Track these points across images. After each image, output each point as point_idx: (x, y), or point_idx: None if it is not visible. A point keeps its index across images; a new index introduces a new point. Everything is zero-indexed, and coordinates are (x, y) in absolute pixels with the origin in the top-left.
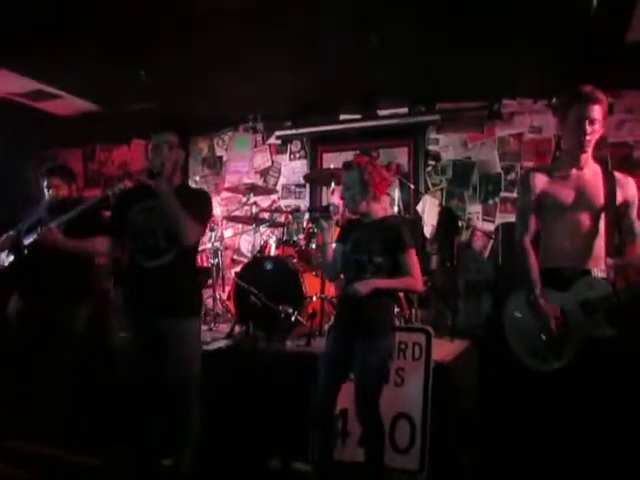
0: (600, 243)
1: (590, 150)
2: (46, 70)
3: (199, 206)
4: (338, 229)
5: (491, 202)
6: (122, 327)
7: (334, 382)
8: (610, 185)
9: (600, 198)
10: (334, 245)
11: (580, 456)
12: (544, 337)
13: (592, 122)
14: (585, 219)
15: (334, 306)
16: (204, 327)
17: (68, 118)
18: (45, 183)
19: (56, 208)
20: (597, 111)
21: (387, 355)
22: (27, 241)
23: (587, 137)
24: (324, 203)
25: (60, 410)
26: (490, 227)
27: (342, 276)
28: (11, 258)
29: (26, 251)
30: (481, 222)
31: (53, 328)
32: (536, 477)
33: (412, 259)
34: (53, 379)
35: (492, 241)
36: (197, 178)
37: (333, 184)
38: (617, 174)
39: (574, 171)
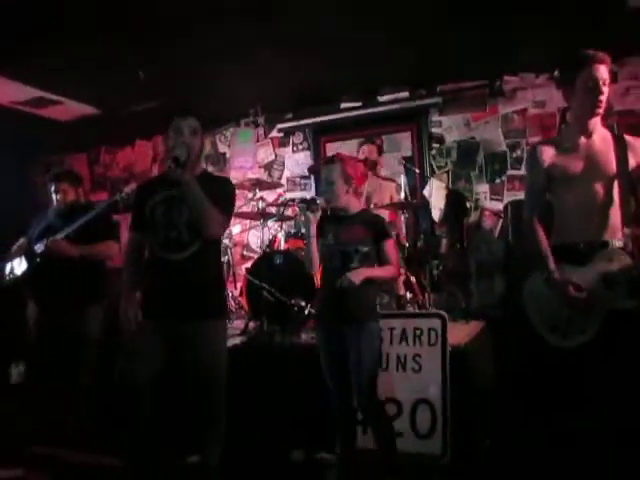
0: (616, 212)
1: (601, 113)
2: (45, 77)
3: (224, 195)
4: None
5: (498, 181)
6: (136, 327)
7: (344, 373)
8: (621, 150)
9: (612, 165)
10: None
11: (606, 434)
12: (565, 312)
13: (604, 82)
14: (598, 189)
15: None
16: None
17: (70, 123)
18: (53, 188)
19: (64, 213)
20: (605, 71)
21: (378, 341)
22: (38, 248)
23: (600, 97)
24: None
25: (82, 413)
26: (499, 206)
27: (321, 268)
28: (24, 266)
29: (38, 259)
30: (489, 202)
31: (70, 332)
32: (562, 458)
33: (392, 248)
34: (73, 382)
35: (501, 220)
36: None
37: None
38: (628, 138)
39: (582, 140)
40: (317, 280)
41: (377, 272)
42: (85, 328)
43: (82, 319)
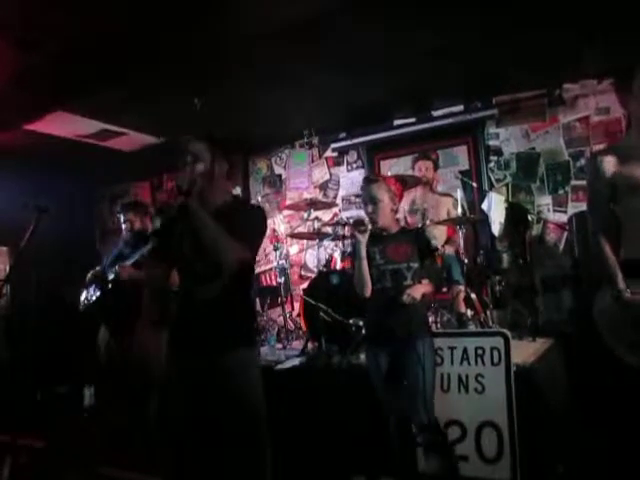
0: None
1: None
2: (109, 110)
3: (247, 225)
4: None
5: (561, 192)
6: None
7: (398, 390)
8: None
9: None
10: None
11: None
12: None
13: None
14: None
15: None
16: (278, 345)
17: (134, 153)
18: (121, 218)
19: (132, 241)
20: None
21: (433, 355)
22: (110, 276)
23: None
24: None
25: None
26: (563, 218)
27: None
28: (98, 293)
29: (110, 285)
30: (552, 214)
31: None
32: None
33: (434, 263)
34: (147, 404)
35: (566, 233)
36: (259, 198)
37: None
38: None
39: None
40: None
41: (429, 287)
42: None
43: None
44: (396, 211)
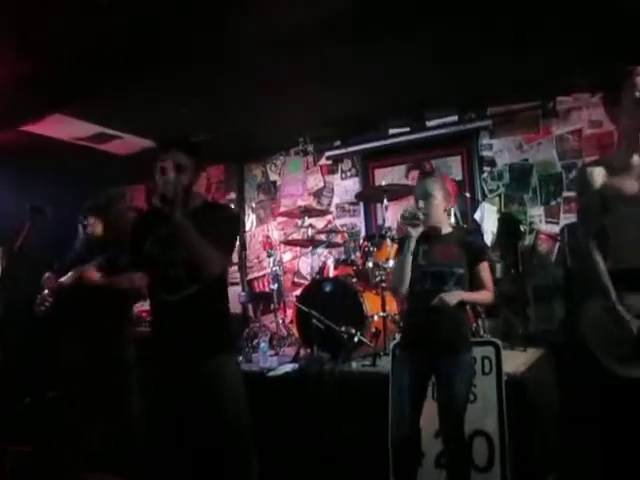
0: None
1: None
2: (106, 114)
3: (222, 229)
4: (396, 243)
5: (554, 203)
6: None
7: (417, 404)
8: None
9: None
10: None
11: None
12: (630, 343)
13: None
14: None
15: (397, 324)
16: (271, 352)
17: (130, 156)
18: (83, 222)
19: (93, 246)
20: None
21: (472, 371)
22: (66, 280)
23: None
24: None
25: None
26: (555, 229)
27: (409, 292)
28: (51, 299)
29: (66, 291)
30: (544, 225)
31: (104, 364)
32: None
33: (487, 271)
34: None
35: (558, 243)
36: (253, 204)
37: (386, 200)
38: None
39: (636, 158)
40: (367, 306)
41: (473, 296)
42: (120, 356)
43: (116, 348)
44: (449, 212)
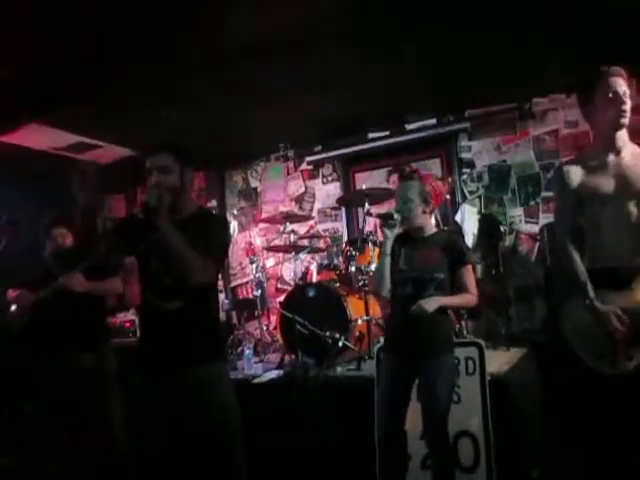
0: None
1: (626, 124)
2: (85, 123)
3: (210, 238)
4: (378, 247)
5: (532, 203)
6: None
7: (401, 407)
8: None
9: None
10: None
11: None
12: (609, 340)
13: (620, 89)
14: (631, 208)
15: (381, 328)
16: (255, 359)
17: (110, 166)
18: (50, 234)
19: (64, 257)
20: (623, 83)
21: (454, 373)
22: (41, 294)
23: (623, 107)
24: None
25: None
26: (534, 229)
27: (391, 294)
28: (26, 315)
29: (42, 303)
30: (524, 225)
31: (85, 373)
32: None
33: (471, 275)
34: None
35: (538, 243)
36: (235, 211)
37: (367, 204)
38: None
39: (611, 157)
40: (350, 310)
41: (454, 300)
42: (101, 365)
43: (96, 357)
44: (431, 212)
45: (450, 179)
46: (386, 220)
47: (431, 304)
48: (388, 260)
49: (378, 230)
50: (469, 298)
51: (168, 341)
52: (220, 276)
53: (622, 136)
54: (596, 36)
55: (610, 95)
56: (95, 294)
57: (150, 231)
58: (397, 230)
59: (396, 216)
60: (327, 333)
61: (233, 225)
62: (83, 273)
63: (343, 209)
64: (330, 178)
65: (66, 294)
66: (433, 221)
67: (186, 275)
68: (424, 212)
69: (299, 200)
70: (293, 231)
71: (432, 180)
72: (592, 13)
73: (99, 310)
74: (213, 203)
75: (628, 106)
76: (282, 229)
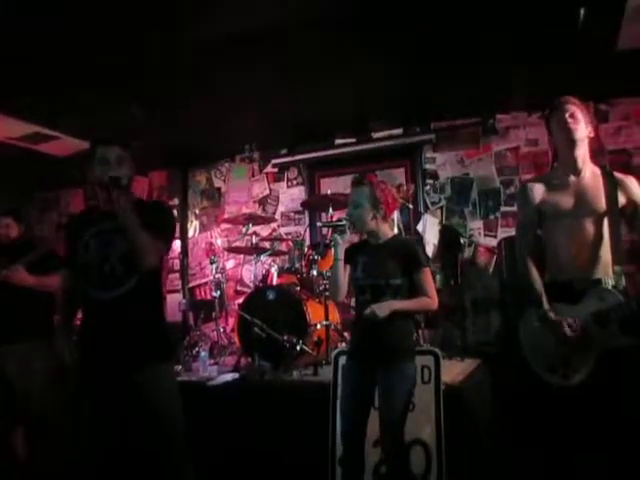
0: (607, 250)
1: (582, 149)
2: (41, 113)
3: (159, 221)
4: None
5: (492, 217)
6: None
7: (362, 414)
8: (610, 187)
9: (601, 202)
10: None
11: (606, 473)
12: (561, 352)
13: (571, 115)
14: (588, 226)
15: (339, 333)
16: (210, 361)
17: (67, 158)
18: None
19: (7, 248)
20: (573, 110)
21: (412, 381)
22: None
23: (571, 127)
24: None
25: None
26: (493, 242)
27: (353, 301)
28: None
29: None
30: (483, 238)
31: (34, 367)
32: None
33: (428, 278)
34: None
35: (496, 256)
36: (197, 211)
37: (331, 209)
38: (618, 175)
39: (572, 178)
40: (310, 314)
41: (409, 304)
42: (46, 362)
43: (42, 353)
44: (383, 218)
45: (406, 187)
46: (336, 227)
47: (383, 308)
48: (341, 265)
49: None
50: (426, 301)
51: (107, 336)
52: (179, 275)
53: (584, 159)
54: (561, 60)
55: (561, 123)
56: (38, 289)
57: (94, 221)
58: (347, 236)
59: (344, 222)
60: (285, 337)
61: (194, 224)
62: (26, 266)
63: (307, 213)
64: (295, 182)
65: (7, 286)
66: (389, 228)
67: (139, 257)
68: (374, 218)
69: (263, 202)
70: (255, 233)
71: (383, 186)
72: (556, 33)
73: (45, 305)
74: (175, 202)
75: (580, 130)
76: (244, 230)
